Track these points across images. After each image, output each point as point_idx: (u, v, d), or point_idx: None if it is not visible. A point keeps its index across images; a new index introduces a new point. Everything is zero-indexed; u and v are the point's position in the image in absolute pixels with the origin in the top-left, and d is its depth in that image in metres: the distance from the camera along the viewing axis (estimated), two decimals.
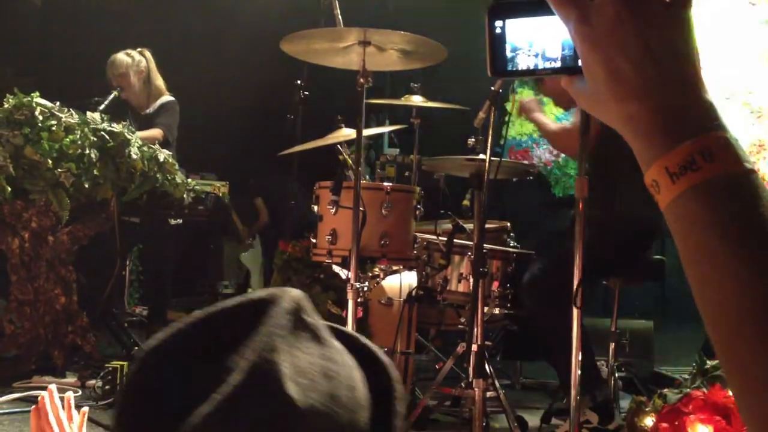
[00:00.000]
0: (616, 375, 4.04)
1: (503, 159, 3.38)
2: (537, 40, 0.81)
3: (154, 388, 0.76)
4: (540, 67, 0.81)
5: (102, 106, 4.78)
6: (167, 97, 5.29)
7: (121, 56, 5.23)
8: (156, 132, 5.04)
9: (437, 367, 4.00)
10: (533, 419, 3.96)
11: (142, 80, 5.24)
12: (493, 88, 3.31)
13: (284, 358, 0.76)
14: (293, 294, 0.81)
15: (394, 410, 0.85)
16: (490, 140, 3.32)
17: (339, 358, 0.82)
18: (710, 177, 0.66)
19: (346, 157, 3.58)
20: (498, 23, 0.81)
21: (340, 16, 4.15)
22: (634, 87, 0.70)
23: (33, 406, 1.45)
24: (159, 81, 5.33)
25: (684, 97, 0.70)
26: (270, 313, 0.78)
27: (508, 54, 0.82)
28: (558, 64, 0.80)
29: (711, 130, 0.68)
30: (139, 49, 5.32)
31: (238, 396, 0.72)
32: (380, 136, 6.85)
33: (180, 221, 4.77)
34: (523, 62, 0.82)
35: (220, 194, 5.12)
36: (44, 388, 1.50)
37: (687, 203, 0.68)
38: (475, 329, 3.28)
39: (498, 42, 0.82)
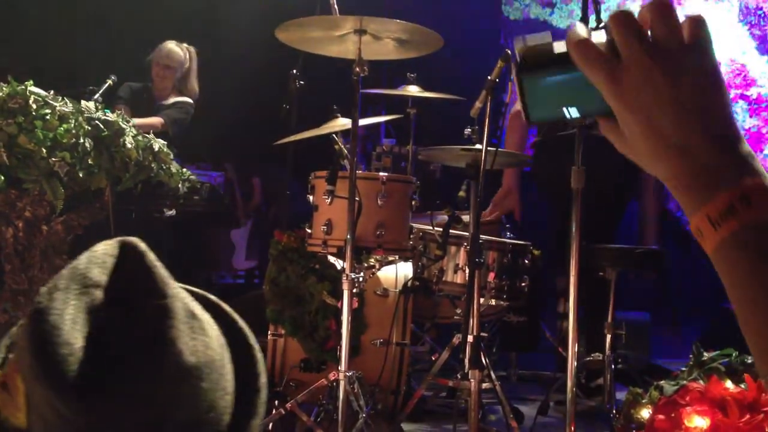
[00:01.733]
0: (613, 367, 4.03)
1: (500, 149, 3.36)
2: (570, 88, 0.80)
3: (67, 342, 0.78)
4: (576, 115, 0.81)
5: (97, 95, 4.76)
6: (186, 98, 5.32)
7: (177, 50, 5.31)
8: (155, 120, 5.03)
9: (433, 358, 3.99)
10: (529, 410, 3.96)
11: (180, 77, 5.29)
12: (490, 77, 3.28)
13: (173, 283, 0.86)
14: (133, 239, 0.89)
15: (234, 320, 0.96)
16: (486, 130, 3.29)
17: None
18: (750, 222, 0.69)
19: (341, 146, 3.55)
20: (528, 75, 0.81)
21: (335, 5, 4.13)
22: (671, 145, 0.72)
23: None
24: (194, 83, 5.39)
25: (721, 148, 0.71)
26: (137, 253, 0.86)
27: (542, 102, 0.81)
28: (594, 110, 0.79)
29: (749, 177, 0.70)
30: (187, 46, 5.36)
31: (169, 318, 0.81)
32: (377, 126, 6.82)
33: (174, 212, 4.74)
34: (559, 109, 0.81)
35: (216, 184, 5.10)
36: None
37: (730, 249, 0.71)
38: (471, 320, 3.27)
39: (530, 92, 0.81)
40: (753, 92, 8.93)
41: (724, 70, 8.95)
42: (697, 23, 0.73)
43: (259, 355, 0.94)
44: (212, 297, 0.97)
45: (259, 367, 0.94)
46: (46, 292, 0.82)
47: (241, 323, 0.96)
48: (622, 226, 7.48)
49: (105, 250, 0.88)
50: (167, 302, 0.82)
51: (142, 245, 0.87)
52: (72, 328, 0.79)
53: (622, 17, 0.73)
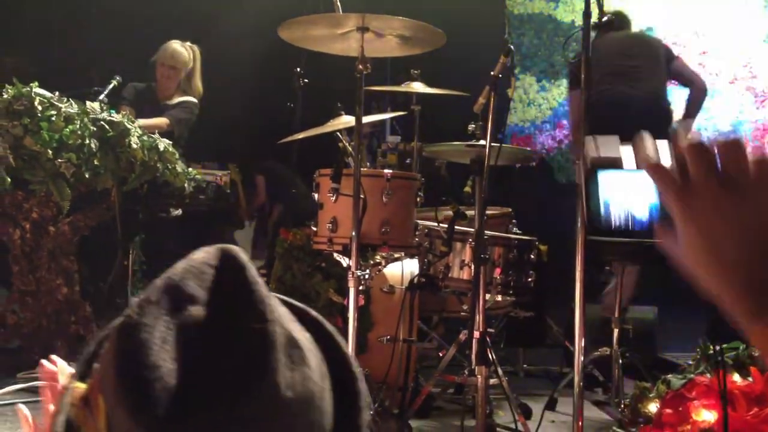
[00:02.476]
0: (620, 361, 4.03)
1: (504, 145, 3.36)
2: (631, 196, 0.86)
3: (156, 364, 0.73)
4: (635, 226, 0.86)
5: (102, 96, 4.77)
6: (190, 97, 5.33)
7: (182, 50, 5.31)
8: (161, 121, 5.05)
9: (440, 354, 3.99)
10: (537, 406, 3.96)
11: (184, 77, 5.30)
12: (492, 73, 3.28)
13: (274, 304, 0.79)
14: (235, 248, 0.83)
15: (339, 344, 0.89)
16: (490, 126, 3.29)
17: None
18: None
19: (346, 144, 3.55)
20: (595, 183, 0.86)
21: (338, 2, 4.13)
22: (731, 261, 0.78)
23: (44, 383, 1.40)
24: (198, 82, 5.39)
25: None
26: (237, 266, 0.80)
27: (606, 210, 0.86)
28: (653, 217, 0.85)
29: None
30: (190, 45, 5.36)
31: (267, 345, 0.75)
32: (383, 123, 6.83)
33: (180, 212, 4.76)
34: (620, 218, 0.86)
35: (222, 183, 5.11)
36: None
37: None
38: (477, 316, 3.27)
39: (594, 200, 0.86)
40: (758, 85, 8.90)
41: (731, 62, 8.92)
42: (764, 165, 0.78)
43: (362, 387, 0.87)
44: (312, 313, 0.91)
45: (361, 402, 0.86)
46: (136, 305, 0.77)
47: (346, 349, 0.89)
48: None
49: (204, 258, 0.81)
50: (267, 327, 0.75)
51: (243, 257, 0.81)
52: (161, 348, 0.74)
53: (700, 150, 0.79)
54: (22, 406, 1.29)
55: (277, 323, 0.76)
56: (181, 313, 0.76)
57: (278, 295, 0.89)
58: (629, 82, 4.92)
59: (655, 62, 5.08)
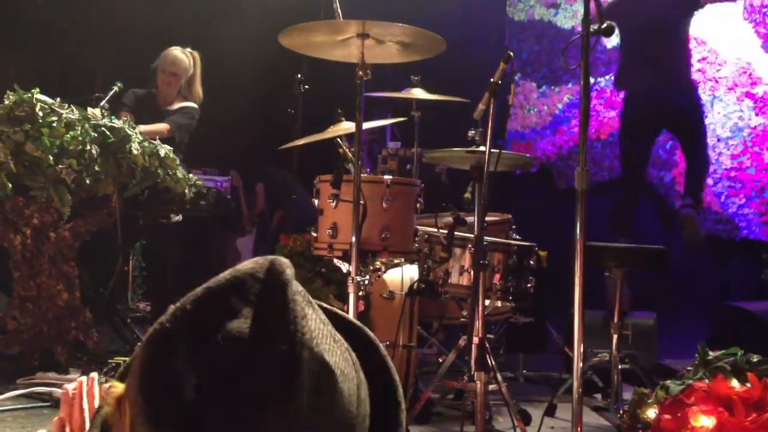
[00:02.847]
0: (619, 367, 4.03)
1: (504, 151, 3.36)
2: None
3: (179, 375, 0.73)
4: None
5: (103, 102, 4.79)
6: (191, 103, 5.34)
7: (183, 57, 5.32)
8: (162, 126, 5.06)
9: (440, 360, 4.00)
10: (537, 412, 3.96)
11: (185, 83, 5.32)
12: (492, 79, 3.29)
13: (312, 325, 0.76)
14: (286, 261, 0.80)
15: (388, 366, 0.88)
16: (490, 132, 3.30)
17: (326, 320, 0.82)
18: None
19: (346, 150, 3.56)
20: None
21: (339, 9, 4.14)
22: None
23: (67, 389, 1.40)
24: (198, 88, 5.41)
25: None
26: (280, 282, 0.78)
27: None
28: None
29: None
30: (191, 51, 5.38)
31: (291, 369, 0.72)
32: (383, 129, 6.84)
33: (180, 218, 4.77)
34: None
35: (223, 189, 5.12)
36: (47, 385, 1.47)
37: None
38: (476, 322, 3.27)
39: None
40: (759, 90, 8.91)
41: (730, 69, 8.94)
42: None
43: (403, 417, 0.86)
44: (360, 327, 0.89)
45: (400, 418, 0.85)
46: (170, 313, 0.77)
47: (394, 373, 0.87)
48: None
49: (250, 270, 0.79)
50: (295, 350, 0.73)
51: (289, 272, 0.78)
52: (188, 360, 0.73)
53: None
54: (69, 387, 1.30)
55: (306, 347, 0.74)
56: (215, 327, 0.75)
57: (335, 310, 0.88)
58: None
59: None
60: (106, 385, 0.84)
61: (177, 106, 5.31)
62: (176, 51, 5.31)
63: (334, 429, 0.75)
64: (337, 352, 0.78)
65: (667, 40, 6.27)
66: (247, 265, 0.80)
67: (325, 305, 0.88)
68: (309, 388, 0.73)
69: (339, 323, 0.85)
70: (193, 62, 5.37)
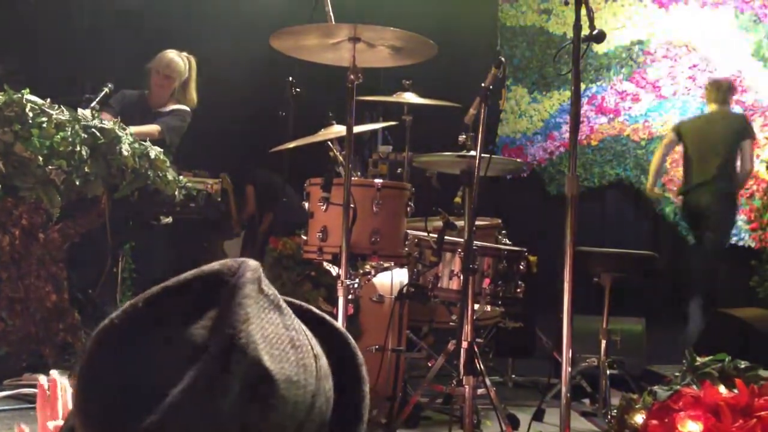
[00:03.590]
0: (608, 372, 4.04)
1: (494, 156, 3.37)
2: None
3: (116, 370, 0.74)
4: None
5: (94, 103, 4.76)
6: (183, 106, 5.32)
7: (178, 60, 5.28)
8: (152, 128, 5.03)
9: (429, 364, 4.00)
10: (526, 417, 3.96)
11: (179, 86, 5.29)
12: (483, 84, 3.30)
13: (256, 330, 0.75)
14: (252, 264, 0.80)
15: (360, 376, 0.87)
16: (480, 137, 3.31)
17: (299, 327, 0.81)
18: None
19: (337, 153, 3.56)
20: None
21: (331, 12, 4.14)
22: None
23: (40, 392, 1.40)
24: (193, 92, 5.38)
25: None
26: (236, 284, 0.77)
27: None
28: None
29: None
30: (187, 55, 5.35)
31: (218, 371, 0.72)
32: (375, 133, 6.85)
33: (170, 220, 4.75)
34: None
35: (213, 191, 5.10)
36: (35, 386, 1.46)
37: None
38: (465, 326, 3.27)
39: None
40: (748, 98, 8.95)
41: (720, 75, 8.97)
42: None
43: (366, 413, 0.85)
44: (334, 324, 0.88)
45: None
46: (122, 309, 0.77)
47: (365, 385, 0.86)
48: (614, 231, 7.50)
49: (215, 271, 0.79)
50: (224, 353, 0.72)
51: (250, 275, 0.78)
52: (130, 356, 0.74)
53: None
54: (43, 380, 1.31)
55: (239, 350, 0.73)
56: (162, 326, 0.76)
57: (311, 308, 0.87)
58: None
59: None
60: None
61: (169, 108, 5.29)
62: (172, 54, 5.28)
63: None
64: (290, 359, 0.77)
65: None
66: (213, 266, 0.80)
67: (314, 310, 0.88)
68: (239, 392, 0.72)
69: (319, 330, 0.85)
70: (189, 66, 5.34)
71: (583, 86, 9.14)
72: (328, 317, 0.90)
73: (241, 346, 0.73)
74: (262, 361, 0.74)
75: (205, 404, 0.71)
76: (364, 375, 0.87)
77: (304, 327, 0.83)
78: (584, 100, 9.13)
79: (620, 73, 9.21)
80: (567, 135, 8.41)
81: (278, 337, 0.77)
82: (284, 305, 0.81)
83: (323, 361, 0.82)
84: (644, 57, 9.17)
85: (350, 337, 0.89)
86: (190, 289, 0.78)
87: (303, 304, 0.89)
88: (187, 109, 5.32)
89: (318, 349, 0.82)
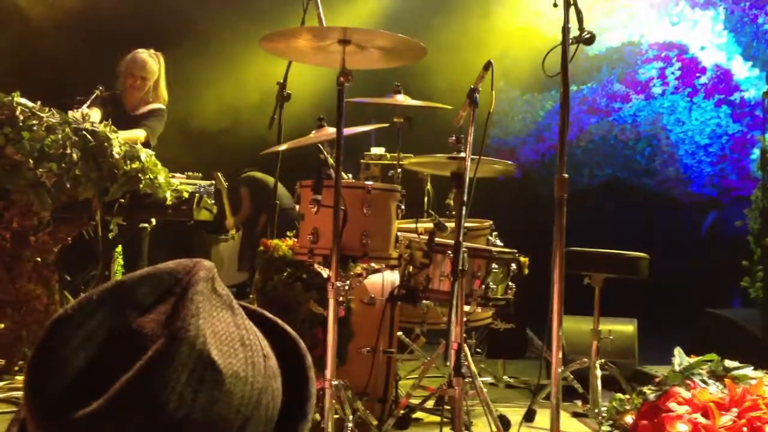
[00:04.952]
0: (599, 373, 4.05)
1: (483, 157, 3.38)
2: None
3: (66, 358, 0.75)
4: None
5: (85, 106, 4.75)
6: (159, 104, 5.30)
7: (151, 61, 5.25)
8: (139, 133, 5.03)
9: (422, 366, 4.01)
10: (517, 418, 3.97)
11: (151, 85, 5.27)
12: (472, 86, 3.31)
13: (206, 325, 0.77)
14: (207, 264, 0.82)
15: (308, 377, 0.89)
16: (471, 139, 3.32)
17: (250, 327, 0.83)
18: None
19: (327, 155, 3.57)
20: None
21: (322, 15, 4.15)
22: None
23: None
24: (164, 89, 5.36)
25: None
26: (189, 281, 0.79)
27: None
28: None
29: None
30: (155, 53, 5.32)
31: (164, 361, 0.73)
32: (369, 135, 6.85)
33: (152, 222, 4.76)
34: None
35: (206, 194, 5.09)
36: None
37: None
38: (455, 328, 3.28)
39: None
40: (736, 97, 8.98)
41: (709, 75, 9.01)
42: None
43: (311, 407, 0.88)
44: (285, 328, 0.90)
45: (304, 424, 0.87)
46: (77, 301, 0.78)
47: (312, 386, 0.89)
48: (604, 231, 7.51)
49: (169, 269, 0.81)
50: (171, 344, 0.74)
51: (203, 273, 0.80)
52: (81, 345, 0.75)
53: None
54: None
55: (186, 342, 0.75)
56: (118, 318, 0.77)
57: (266, 314, 0.90)
58: None
59: None
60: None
61: (146, 108, 5.27)
62: (144, 54, 5.25)
63: (214, 426, 0.76)
64: (239, 356, 0.79)
65: None
66: (168, 264, 0.82)
67: (266, 314, 0.90)
68: (183, 383, 0.74)
69: (266, 327, 0.87)
70: (159, 64, 5.32)
71: (574, 87, 9.17)
72: (280, 322, 0.92)
73: (190, 338, 0.75)
74: (209, 354, 0.76)
75: (150, 394, 0.72)
76: (312, 376, 0.90)
77: (255, 328, 0.85)
78: (575, 101, 9.16)
79: (611, 73, 9.24)
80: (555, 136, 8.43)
81: (228, 334, 0.79)
82: (237, 306, 0.83)
83: (272, 361, 0.84)
84: (635, 58, 9.21)
85: (300, 341, 0.92)
86: (143, 284, 0.80)
87: (257, 308, 0.91)
88: (163, 107, 5.31)
89: (268, 350, 0.84)
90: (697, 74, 9.04)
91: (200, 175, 5.31)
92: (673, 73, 9.11)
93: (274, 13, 6.11)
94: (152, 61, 5.28)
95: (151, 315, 0.78)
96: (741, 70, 8.94)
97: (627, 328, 5.10)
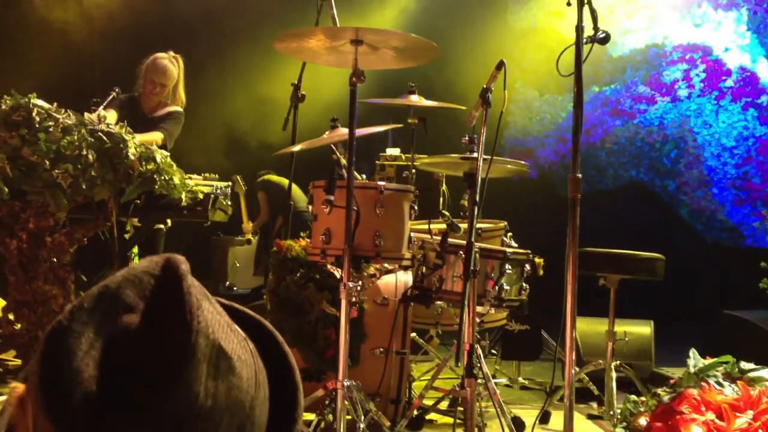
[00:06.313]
0: (615, 375, 4.02)
1: (496, 157, 3.36)
2: None
3: (78, 370, 0.75)
4: None
5: (101, 108, 4.78)
6: (177, 107, 5.32)
7: (172, 67, 5.26)
8: (157, 136, 5.05)
9: (435, 367, 3.99)
10: (532, 419, 3.94)
11: (171, 88, 5.29)
12: (485, 85, 3.29)
13: (207, 314, 0.79)
14: (181, 258, 0.83)
15: (283, 351, 0.92)
16: (483, 138, 3.30)
17: (222, 311, 0.85)
18: None
19: (340, 156, 3.56)
20: None
21: (336, 15, 4.15)
22: None
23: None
24: (182, 92, 5.37)
25: None
26: (176, 275, 0.80)
27: None
28: None
29: None
30: (174, 56, 5.34)
31: (188, 355, 0.75)
32: (387, 137, 6.84)
33: (168, 223, 4.77)
34: None
35: (223, 195, 5.10)
36: None
37: None
38: (467, 329, 3.26)
39: None
40: (763, 100, 8.89)
41: (735, 78, 8.92)
42: None
43: (300, 398, 0.90)
44: (267, 325, 0.92)
45: (298, 412, 0.89)
46: (68, 311, 0.78)
47: (291, 360, 0.91)
48: (620, 232, 7.46)
49: (146, 268, 0.82)
50: (189, 338, 0.75)
51: (184, 267, 0.81)
52: (86, 353, 0.75)
53: None
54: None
55: (202, 334, 0.76)
56: (113, 321, 0.78)
57: (226, 302, 0.91)
58: None
59: None
60: (10, 386, 0.85)
61: (164, 111, 5.29)
62: (165, 60, 5.25)
63: (233, 411, 0.78)
64: (234, 340, 0.81)
65: None
66: (142, 263, 0.83)
67: (223, 301, 0.91)
68: (206, 373, 0.76)
69: (236, 316, 0.89)
70: (179, 68, 5.33)
71: (596, 89, 9.11)
72: (235, 304, 0.93)
73: (203, 330, 0.77)
74: (220, 342, 0.78)
75: (183, 389, 0.74)
76: (287, 351, 0.92)
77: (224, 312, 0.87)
78: (598, 102, 9.10)
79: (635, 75, 9.18)
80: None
81: (219, 321, 0.81)
82: (210, 296, 0.85)
83: (252, 345, 0.86)
84: (660, 60, 9.14)
85: (263, 319, 0.94)
86: (126, 286, 0.80)
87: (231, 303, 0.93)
88: (181, 110, 5.33)
89: (241, 331, 0.86)
90: (723, 77, 8.96)
91: (217, 176, 5.33)
92: (698, 75, 9.03)
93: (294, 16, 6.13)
94: (172, 66, 5.29)
95: (146, 314, 0.78)
96: (767, 73, 8.84)
97: (644, 329, 5.05)
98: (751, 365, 2.90)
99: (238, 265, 7.71)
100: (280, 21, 5.87)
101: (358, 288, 3.27)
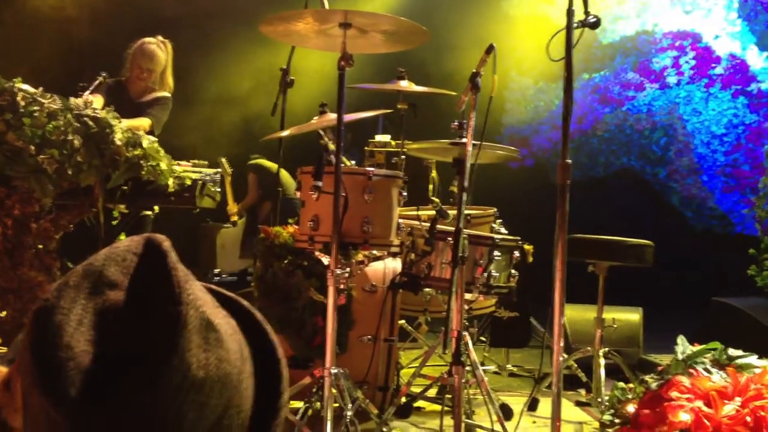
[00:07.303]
0: (603, 362, 4.01)
1: (485, 143, 3.34)
2: None
3: (69, 346, 0.75)
4: None
5: (87, 92, 4.73)
6: (165, 92, 5.27)
7: (160, 52, 5.20)
8: (144, 121, 5.01)
9: (423, 354, 3.98)
10: (520, 407, 3.94)
11: (158, 74, 5.23)
12: (474, 70, 3.26)
13: (194, 288, 0.80)
14: (162, 236, 0.83)
15: (262, 328, 0.92)
16: (472, 123, 3.28)
17: (206, 290, 0.86)
18: None
19: (328, 141, 3.53)
20: None
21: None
22: None
23: None
24: (170, 78, 5.32)
25: None
26: (160, 252, 0.81)
27: None
28: None
29: None
30: (162, 40, 5.28)
31: (180, 327, 0.76)
32: (377, 123, 6.81)
33: (155, 210, 4.74)
34: None
35: (210, 180, 5.06)
36: None
37: None
38: (455, 316, 3.24)
39: None
40: (753, 87, 8.89)
41: (725, 65, 8.91)
42: None
43: (284, 372, 0.90)
44: (245, 303, 0.93)
45: (282, 385, 0.89)
46: (55, 289, 0.79)
47: (272, 335, 0.91)
48: (611, 219, 7.46)
49: (128, 247, 0.83)
50: (180, 310, 0.76)
51: (166, 244, 0.82)
52: (76, 330, 0.76)
53: None
54: None
55: (192, 306, 0.78)
56: (99, 297, 0.78)
57: (209, 285, 0.91)
58: None
59: None
60: None
61: (151, 96, 5.24)
62: (153, 46, 5.19)
63: (223, 382, 0.79)
64: (220, 314, 0.82)
65: None
66: (123, 243, 0.83)
67: (203, 283, 0.90)
68: (197, 344, 0.77)
69: (215, 295, 0.89)
70: (167, 53, 5.28)
71: (586, 76, 9.09)
72: (214, 286, 0.93)
73: (192, 302, 0.78)
74: (208, 315, 0.79)
75: (177, 360, 0.75)
76: (268, 327, 0.93)
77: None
78: (588, 89, 9.08)
79: (625, 62, 9.16)
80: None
81: (203, 296, 0.82)
82: (191, 275, 0.85)
83: (232, 319, 0.87)
84: (649, 47, 9.12)
85: (239, 297, 0.94)
86: (109, 264, 0.81)
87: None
88: (169, 95, 5.28)
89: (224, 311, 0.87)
90: (713, 64, 8.94)
91: (206, 162, 5.29)
92: (687, 62, 9.02)
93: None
94: (160, 51, 5.24)
95: (131, 290, 0.79)
96: (757, 60, 8.83)
97: (632, 316, 5.05)
98: (740, 352, 2.89)
99: (224, 247, 7.68)
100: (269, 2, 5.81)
101: (346, 275, 3.25)
